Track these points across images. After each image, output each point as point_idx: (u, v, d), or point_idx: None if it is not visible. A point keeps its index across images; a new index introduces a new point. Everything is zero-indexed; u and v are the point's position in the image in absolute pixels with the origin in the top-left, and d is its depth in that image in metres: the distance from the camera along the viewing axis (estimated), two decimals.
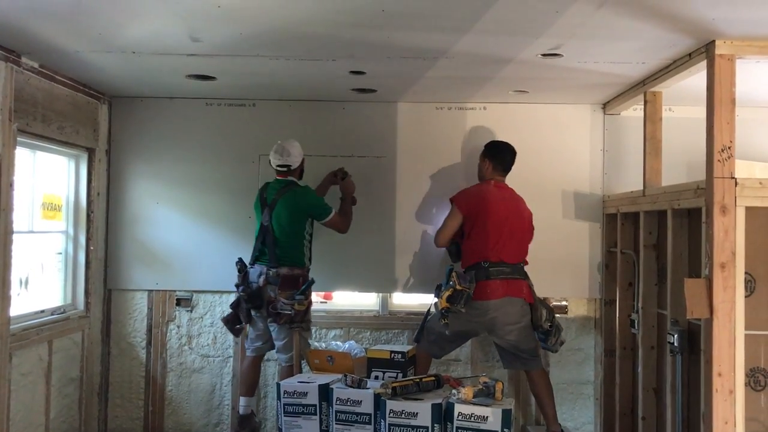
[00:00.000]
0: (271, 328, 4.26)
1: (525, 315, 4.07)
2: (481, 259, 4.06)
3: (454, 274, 3.96)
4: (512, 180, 4.38)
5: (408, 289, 4.82)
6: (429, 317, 4.15)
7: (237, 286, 4.29)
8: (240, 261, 4.30)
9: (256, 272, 4.23)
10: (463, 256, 4.20)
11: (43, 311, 4.16)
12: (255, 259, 4.30)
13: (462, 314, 3.94)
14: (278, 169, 4.33)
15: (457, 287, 3.90)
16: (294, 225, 4.24)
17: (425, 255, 4.78)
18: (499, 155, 4.27)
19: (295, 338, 4.19)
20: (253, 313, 4.26)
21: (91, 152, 4.61)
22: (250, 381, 4.43)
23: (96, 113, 4.62)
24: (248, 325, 4.34)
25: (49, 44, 3.46)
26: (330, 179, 4.58)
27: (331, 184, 4.59)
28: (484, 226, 4.10)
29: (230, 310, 4.34)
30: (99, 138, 4.66)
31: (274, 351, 4.37)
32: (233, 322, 4.31)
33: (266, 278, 4.17)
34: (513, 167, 4.33)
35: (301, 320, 4.16)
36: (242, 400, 4.41)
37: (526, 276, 4.14)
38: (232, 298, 4.81)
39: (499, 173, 4.26)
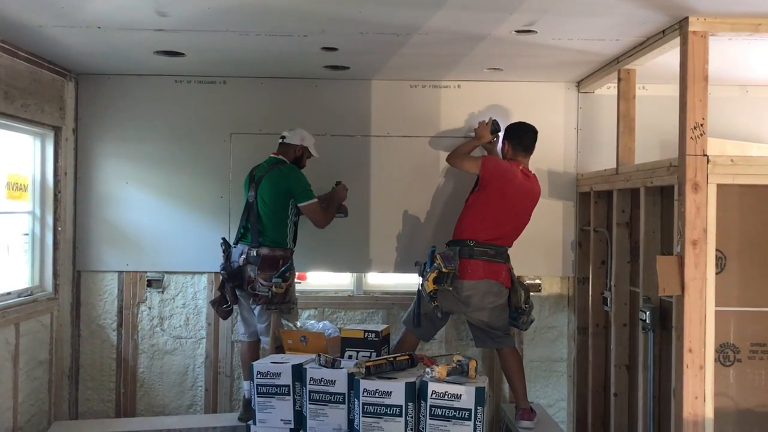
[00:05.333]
0: (253, 309, 4.22)
1: (501, 297, 4.07)
2: (469, 236, 4.02)
3: (438, 255, 3.92)
4: None
5: (383, 268, 4.81)
6: (421, 302, 4.08)
7: (222, 266, 4.24)
8: (224, 241, 4.26)
9: (237, 252, 4.18)
10: (456, 225, 4.16)
11: (9, 293, 4.08)
12: (238, 239, 4.24)
13: (448, 292, 3.95)
14: (279, 142, 4.28)
15: (443, 270, 3.87)
16: (277, 204, 4.17)
17: (400, 234, 4.76)
18: (516, 136, 4.20)
19: (273, 320, 4.15)
20: (238, 293, 4.20)
21: (57, 131, 4.50)
22: (248, 365, 4.32)
23: (62, 91, 4.51)
24: (238, 308, 4.28)
25: (11, 18, 3.35)
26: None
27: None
28: (489, 204, 4.04)
29: (218, 293, 4.30)
30: (65, 116, 4.55)
31: (259, 334, 4.30)
32: (219, 303, 4.27)
33: (246, 258, 4.12)
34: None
35: (280, 302, 4.10)
36: (245, 384, 4.31)
37: (507, 260, 4.12)
38: (204, 279, 4.80)
39: (520, 154, 4.18)
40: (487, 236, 4.02)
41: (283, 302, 4.13)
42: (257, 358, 4.36)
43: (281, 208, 4.18)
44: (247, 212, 4.22)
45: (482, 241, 4.02)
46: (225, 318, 4.42)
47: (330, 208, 4.35)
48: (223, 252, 4.23)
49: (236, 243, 4.24)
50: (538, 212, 4.73)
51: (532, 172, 4.22)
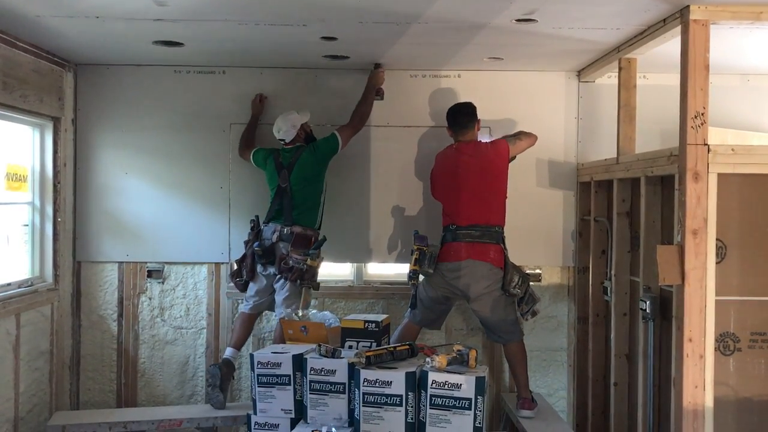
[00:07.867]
0: (278, 285, 4.26)
1: (495, 281, 4.04)
2: (450, 222, 4.14)
3: (413, 236, 4.10)
4: None
5: (383, 259, 4.81)
6: (418, 285, 4.20)
7: (246, 242, 4.35)
8: (256, 218, 4.36)
9: (270, 230, 4.28)
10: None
11: (9, 284, 4.07)
12: (270, 218, 4.33)
13: (437, 276, 4.06)
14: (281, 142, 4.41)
15: (414, 247, 4.06)
16: (316, 183, 4.31)
17: (400, 225, 4.76)
18: (449, 117, 4.31)
19: (304, 293, 4.22)
20: (259, 269, 4.29)
21: (56, 121, 4.49)
22: (240, 335, 4.41)
23: (61, 81, 4.49)
24: (250, 281, 4.36)
25: (9, 8, 3.33)
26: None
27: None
28: (442, 190, 4.24)
29: (236, 267, 4.40)
30: (65, 107, 4.54)
31: (275, 306, 4.34)
32: (234, 276, 4.39)
33: (279, 235, 4.22)
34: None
35: (311, 278, 4.21)
36: (229, 350, 4.38)
37: (498, 240, 4.09)
38: (204, 269, 4.80)
39: (457, 134, 4.26)
40: (463, 218, 4.08)
41: (312, 279, 4.23)
42: (251, 330, 4.50)
43: (318, 187, 4.33)
44: (279, 197, 4.31)
45: (464, 224, 4.07)
46: (243, 290, 4.45)
47: (365, 101, 4.46)
48: (252, 229, 4.34)
49: (267, 222, 4.33)
50: (538, 202, 4.76)
51: (479, 140, 4.26)
